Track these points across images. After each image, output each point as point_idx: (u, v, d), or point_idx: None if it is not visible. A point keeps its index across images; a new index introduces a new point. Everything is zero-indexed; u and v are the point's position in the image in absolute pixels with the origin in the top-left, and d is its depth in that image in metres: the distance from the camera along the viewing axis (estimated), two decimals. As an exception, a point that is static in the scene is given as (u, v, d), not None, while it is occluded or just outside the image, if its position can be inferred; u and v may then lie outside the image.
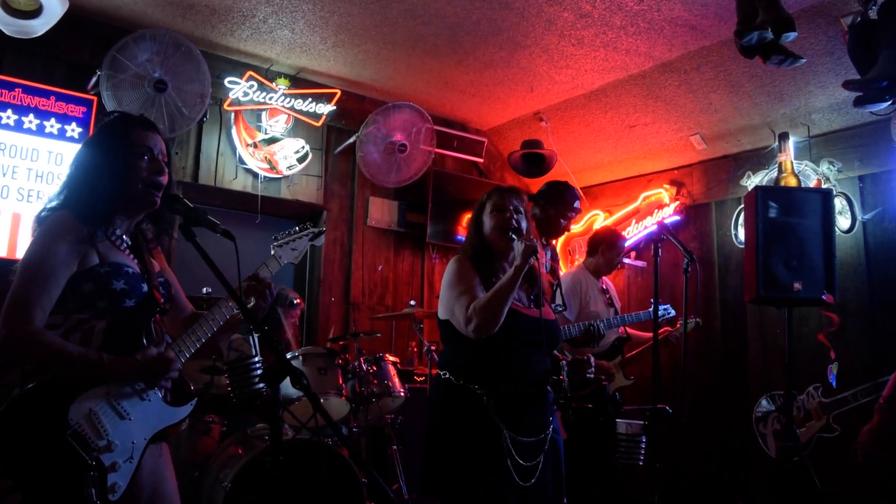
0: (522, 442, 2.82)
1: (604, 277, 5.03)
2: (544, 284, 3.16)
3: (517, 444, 2.79)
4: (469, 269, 2.94)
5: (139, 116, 2.36)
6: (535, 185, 7.28)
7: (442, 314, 3.00)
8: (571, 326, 3.90)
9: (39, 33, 4.46)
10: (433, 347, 5.09)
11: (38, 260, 2.08)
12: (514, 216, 2.97)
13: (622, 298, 6.39)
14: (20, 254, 4.58)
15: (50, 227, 2.13)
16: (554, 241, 4.61)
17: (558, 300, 3.85)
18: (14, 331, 2.01)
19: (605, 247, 4.95)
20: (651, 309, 4.62)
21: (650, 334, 5.10)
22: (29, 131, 4.77)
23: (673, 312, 4.88)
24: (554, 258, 4.22)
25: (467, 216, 6.46)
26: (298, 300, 5.13)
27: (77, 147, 2.41)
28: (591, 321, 4.16)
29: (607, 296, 4.90)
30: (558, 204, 4.26)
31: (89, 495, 1.95)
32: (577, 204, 4.30)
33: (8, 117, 4.70)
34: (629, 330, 5.02)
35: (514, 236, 2.90)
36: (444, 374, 2.93)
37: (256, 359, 3.82)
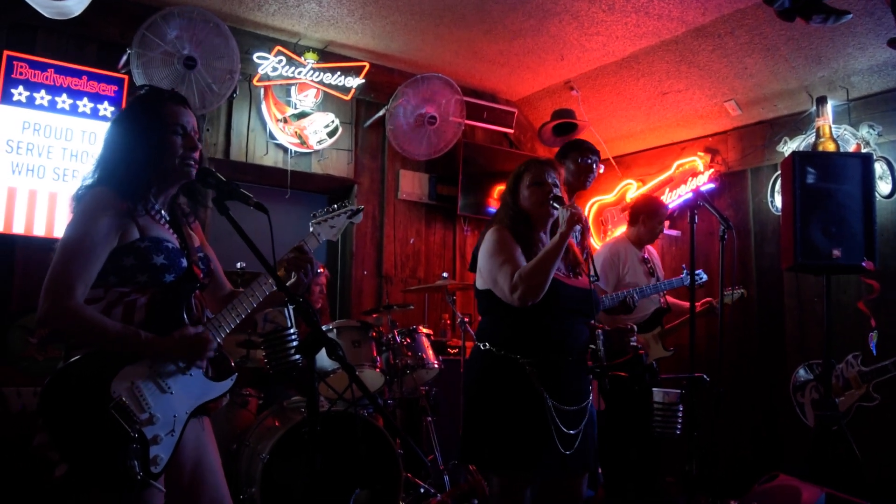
0: (565, 410, 2.84)
1: (647, 247, 4.97)
2: (577, 254, 3.16)
3: (560, 413, 2.82)
4: (510, 238, 2.95)
5: (170, 91, 2.37)
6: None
7: (481, 284, 3.01)
8: (607, 297, 3.87)
9: (76, 13, 4.48)
10: (466, 319, 5.10)
11: (80, 235, 2.10)
12: (554, 188, 2.99)
13: (656, 268, 6.34)
14: (58, 233, 4.65)
15: (90, 202, 2.14)
16: (585, 211, 4.57)
17: (591, 270, 3.81)
18: (56, 305, 2.03)
19: (645, 216, 4.88)
20: (683, 276, 4.59)
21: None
22: (62, 111, 4.82)
23: (705, 277, 4.82)
24: (584, 229, 4.17)
25: (498, 188, 6.46)
26: (321, 267, 5.15)
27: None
28: (627, 291, 4.13)
29: (648, 265, 4.84)
30: (578, 151, 4.24)
31: (132, 467, 1.98)
32: (594, 148, 4.28)
33: (42, 97, 4.75)
34: (670, 300, 4.98)
35: (556, 205, 2.94)
36: (485, 345, 2.94)
37: (292, 330, 3.85)
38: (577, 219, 2.82)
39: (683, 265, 4.86)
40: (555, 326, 2.89)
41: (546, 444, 2.79)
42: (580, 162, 4.21)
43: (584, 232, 4.13)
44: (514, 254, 2.89)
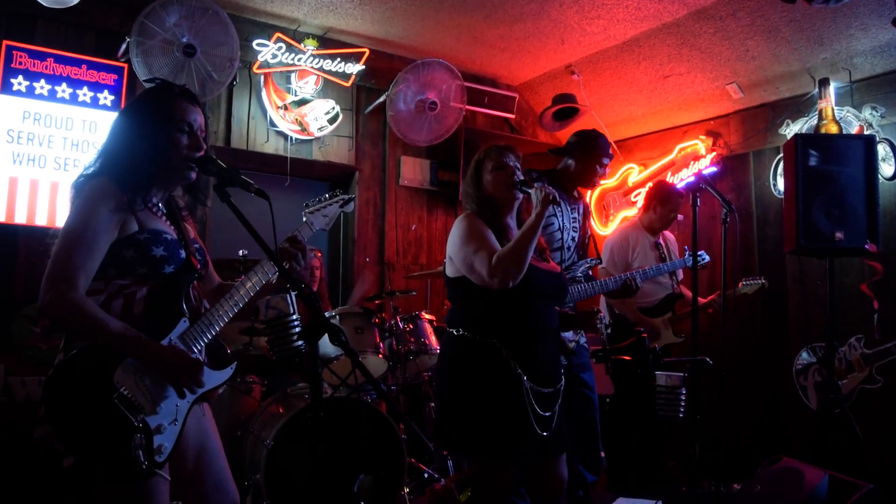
0: (541, 392, 2.87)
1: (663, 233, 4.97)
2: (541, 240, 3.15)
3: (536, 395, 2.85)
4: (481, 223, 2.96)
5: (181, 87, 2.35)
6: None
7: (453, 272, 3.02)
8: (610, 280, 3.88)
9: (75, 2, 4.48)
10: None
11: (81, 226, 2.09)
12: (516, 171, 3.01)
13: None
14: (59, 222, 4.65)
15: (91, 193, 2.14)
16: (587, 196, 4.54)
17: (580, 269, 3.81)
18: (58, 296, 2.03)
19: (657, 202, 4.90)
20: (686, 257, 4.60)
21: (704, 299, 4.98)
22: (62, 100, 4.81)
23: (708, 258, 4.83)
24: (585, 213, 4.15)
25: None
26: (316, 251, 5.15)
27: (109, 114, 2.42)
28: (629, 273, 4.13)
29: (660, 251, 4.85)
30: (594, 153, 4.07)
31: (137, 457, 1.99)
32: (609, 150, 4.19)
33: (41, 87, 4.74)
34: (683, 289, 4.99)
35: (525, 189, 2.95)
36: (458, 331, 2.94)
37: (295, 316, 3.85)
38: (551, 198, 2.84)
39: (686, 247, 4.86)
40: (529, 310, 2.91)
41: (525, 427, 2.81)
42: (598, 171, 4.07)
43: (586, 214, 4.13)
44: (488, 238, 2.90)
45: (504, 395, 2.81)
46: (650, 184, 5.68)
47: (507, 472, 2.86)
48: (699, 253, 4.70)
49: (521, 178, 3.00)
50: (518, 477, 3.29)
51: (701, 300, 4.94)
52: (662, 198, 4.89)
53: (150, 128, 2.22)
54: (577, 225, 3.97)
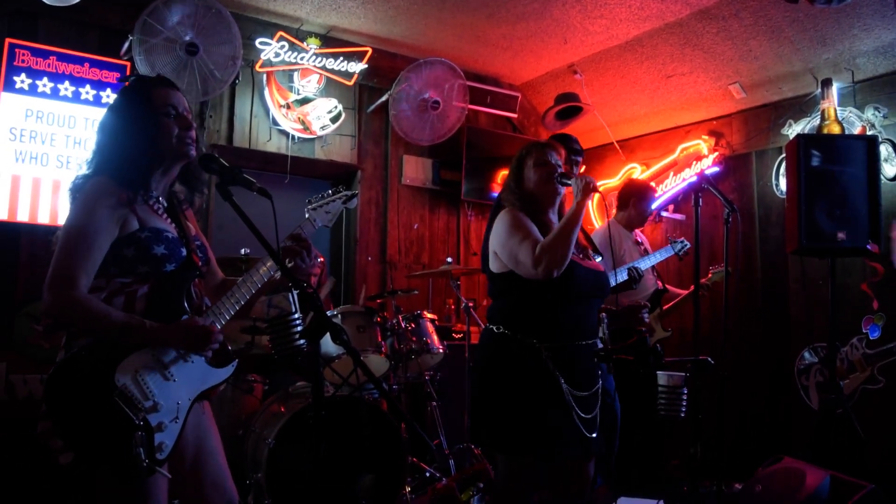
0: (579, 395, 2.86)
1: (636, 230, 5.00)
2: (583, 238, 3.17)
3: (576, 399, 2.84)
4: (524, 217, 2.98)
5: (157, 76, 2.38)
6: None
7: (498, 267, 3.02)
8: (611, 274, 3.86)
9: (77, 0, 4.49)
10: (470, 304, 5.11)
11: (81, 225, 2.10)
12: (557, 167, 3.05)
13: (660, 252, 6.33)
14: (62, 220, 4.65)
15: (90, 192, 2.15)
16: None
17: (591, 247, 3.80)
18: (60, 296, 2.04)
19: (635, 199, 4.92)
20: (669, 246, 4.63)
21: (682, 291, 5.04)
22: (65, 98, 4.81)
23: (689, 244, 4.82)
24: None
25: (502, 173, 6.44)
26: (319, 256, 5.14)
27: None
28: (629, 264, 4.14)
29: (642, 247, 4.88)
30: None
31: (138, 454, 1.99)
32: (577, 146, 4.18)
33: (44, 85, 4.74)
34: (667, 284, 5.00)
35: (566, 181, 2.99)
36: (499, 328, 2.94)
37: (297, 315, 3.85)
38: (592, 186, 2.89)
39: (669, 236, 4.90)
40: (571, 310, 2.92)
41: (570, 427, 2.80)
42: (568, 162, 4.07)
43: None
44: (532, 230, 2.92)
45: (544, 395, 2.81)
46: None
47: (536, 472, 2.86)
48: (680, 240, 4.75)
49: (564, 171, 3.04)
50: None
51: (678, 290, 4.98)
52: (640, 195, 4.92)
53: (136, 119, 2.23)
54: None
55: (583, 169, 4.35)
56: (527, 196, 3.06)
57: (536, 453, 2.80)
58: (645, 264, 4.48)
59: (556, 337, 2.86)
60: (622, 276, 3.92)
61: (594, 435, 2.86)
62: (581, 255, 3.05)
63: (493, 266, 3.05)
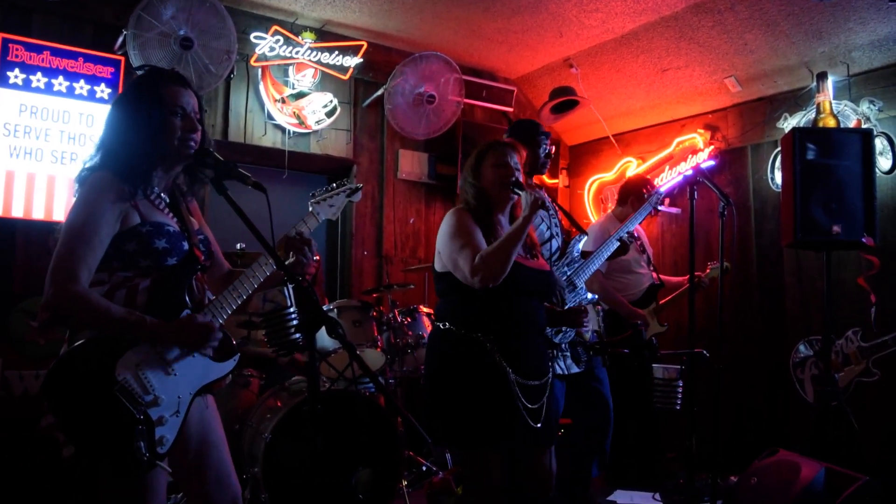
0: (527, 385, 2.88)
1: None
2: (533, 237, 3.17)
3: (522, 387, 2.86)
4: (470, 220, 2.97)
5: (170, 71, 2.35)
6: (566, 134, 7.20)
7: (440, 266, 3.03)
8: (607, 243, 3.81)
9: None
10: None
11: (83, 220, 2.11)
12: (515, 171, 3.02)
13: (656, 246, 6.35)
14: (56, 215, 4.65)
15: (92, 186, 2.15)
16: (586, 189, 4.52)
17: (576, 247, 3.77)
18: (61, 290, 2.04)
19: (634, 197, 4.91)
20: (647, 202, 4.60)
21: (679, 279, 5.10)
22: (59, 93, 4.79)
23: (662, 193, 4.73)
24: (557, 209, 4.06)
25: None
26: (316, 254, 5.14)
27: (106, 108, 2.41)
28: (618, 232, 3.98)
29: (639, 242, 4.88)
30: (532, 139, 3.84)
31: (138, 448, 2.00)
32: (542, 129, 3.96)
33: (38, 80, 4.72)
34: (662, 276, 5.01)
35: (518, 190, 2.97)
36: (445, 325, 2.96)
37: (292, 309, 3.86)
38: (539, 203, 2.85)
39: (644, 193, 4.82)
40: (514, 307, 2.92)
41: (514, 418, 2.82)
42: (541, 157, 3.89)
43: (556, 212, 4.04)
44: (475, 236, 2.91)
45: (489, 386, 2.82)
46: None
47: (496, 466, 2.86)
48: (655, 192, 4.63)
49: (519, 179, 3.01)
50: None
51: (673, 279, 4.99)
52: (639, 193, 4.92)
53: (144, 116, 2.22)
54: (558, 230, 3.91)
55: (553, 148, 4.14)
56: (480, 192, 3.05)
57: (480, 443, 2.81)
58: (626, 229, 4.35)
59: (501, 331, 2.88)
60: (613, 246, 3.85)
61: (539, 425, 2.87)
62: (527, 255, 3.05)
63: (437, 264, 3.06)
